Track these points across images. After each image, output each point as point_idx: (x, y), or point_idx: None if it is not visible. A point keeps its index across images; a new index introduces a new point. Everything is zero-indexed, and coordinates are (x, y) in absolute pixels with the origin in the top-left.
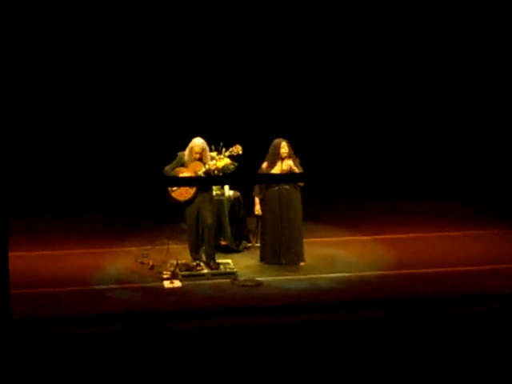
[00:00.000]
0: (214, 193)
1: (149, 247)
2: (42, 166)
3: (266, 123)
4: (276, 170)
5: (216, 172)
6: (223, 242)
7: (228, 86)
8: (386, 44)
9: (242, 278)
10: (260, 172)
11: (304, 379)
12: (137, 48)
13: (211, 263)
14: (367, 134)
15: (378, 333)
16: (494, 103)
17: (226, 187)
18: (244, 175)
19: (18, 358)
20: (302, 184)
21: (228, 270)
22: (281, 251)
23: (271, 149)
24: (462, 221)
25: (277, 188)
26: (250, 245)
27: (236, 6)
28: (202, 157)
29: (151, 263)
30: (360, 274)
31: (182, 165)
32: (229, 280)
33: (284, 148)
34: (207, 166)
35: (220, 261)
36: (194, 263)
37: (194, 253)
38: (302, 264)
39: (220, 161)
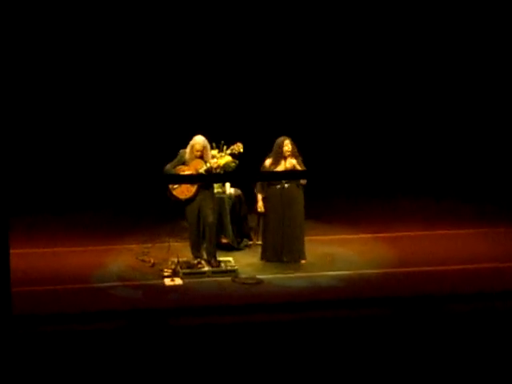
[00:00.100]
0: (215, 191)
1: (150, 245)
2: (42, 164)
3: (266, 121)
4: (279, 169)
5: (217, 170)
6: (224, 240)
7: (229, 83)
8: (388, 42)
9: (242, 276)
10: (262, 169)
11: (304, 377)
12: (138, 45)
13: (212, 261)
14: (368, 132)
15: (379, 331)
16: (494, 102)
17: (227, 185)
18: (245, 173)
19: (18, 355)
20: (304, 182)
21: (229, 268)
22: (282, 249)
23: (275, 147)
24: (463, 219)
25: (279, 186)
26: (251, 243)
27: (238, 5)
28: (203, 155)
29: (152, 261)
30: (360, 272)
31: (183, 163)
32: (230, 278)
33: (287, 146)
34: (208, 165)
35: (221, 259)
36: (195, 261)
37: (195, 250)
38: (302, 262)
39: (221, 158)
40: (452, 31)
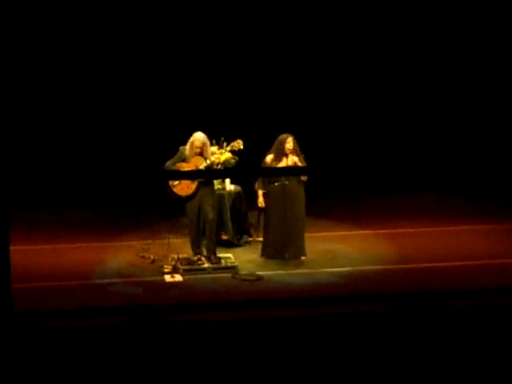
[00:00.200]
0: (216, 187)
1: (150, 241)
2: (42, 161)
3: (267, 118)
4: (281, 166)
5: (218, 166)
6: (224, 237)
7: (229, 80)
8: (390, 40)
9: (242, 273)
10: (263, 166)
11: (305, 373)
12: (138, 42)
13: (212, 257)
14: (369, 129)
15: (379, 327)
16: (497, 98)
17: (227, 182)
18: (245, 169)
19: (19, 350)
20: (305, 179)
21: (229, 265)
22: (283, 246)
23: (276, 143)
24: (464, 216)
25: (280, 183)
26: (251, 239)
27: (239, 2)
28: (202, 151)
29: (152, 257)
30: (361, 268)
31: (183, 160)
32: (230, 274)
33: (289, 143)
34: (208, 161)
35: (221, 255)
36: (195, 257)
37: (195, 247)
38: (303, 258)
39: (221, 155)
40: (453, 27)
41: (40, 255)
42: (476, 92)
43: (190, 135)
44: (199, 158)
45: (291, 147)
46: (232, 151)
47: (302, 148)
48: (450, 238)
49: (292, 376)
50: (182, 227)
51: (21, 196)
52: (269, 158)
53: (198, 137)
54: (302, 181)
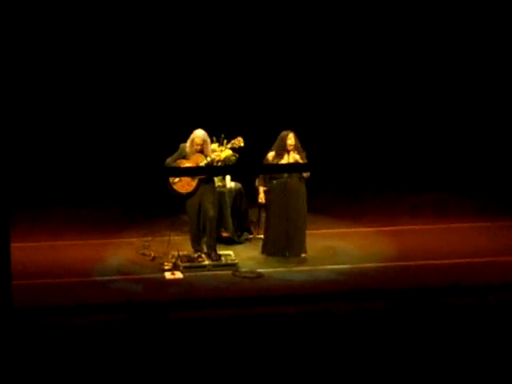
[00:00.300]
0: (216, 184)
1: (150, 238)
2: (42, 158)
3: (268, 115)
4: (282, 163)
5: (218, 163)
6: (225, 234)
7: (231, 77)
8: (391, 37)
9: (243, 270)
10: (265, 162)
11: (305, 369)
12: (139, 39)
13: (212, 255)
14: (370, 127)
15: (379, 324)
16: (496, 97)
17: (228, 179)
18: (246, 165)
19: (19, 346)
20: (306, 175)
21: (229, 262)
22: (284, 243)
23: (278, 140)
24: (465, 213)
25: (282, 180)
26: (251, 236)
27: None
28: (203, 148)
29: (152, 254)
30: (361, 265)
31: (184, 157)
32: (230, 271)
33: (291, 139)
34: (209, 159)
35: (221, 252)
36: (196, 255)
37: (196, 244)
38: (303, 255)
39: (222, 152)
40: (453, 25)
41: (40, 252)
42: (476, 91)
43: (191, 132)
44: (200, 155)
45: (293, 143)
46: (232, 148)
47: (303, 145)
48: (450, 235)
49: (292, 372)
50: (183, 224)
51: (21, 193)
52: (270, 154)
53: (199, 134)
54: (304, 177)
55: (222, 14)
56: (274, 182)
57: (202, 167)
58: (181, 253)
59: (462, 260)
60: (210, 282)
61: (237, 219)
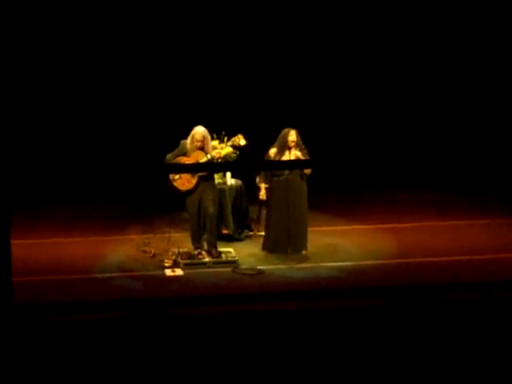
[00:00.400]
0: (216, 182)
1: (150, 235)
2: (43, 155)
3: (270, 112)
4: (283, 159)
5: (219, 160)
6: (225, 231)
7: (232, 74)
8: (392, 35)
9: (243, 267)
10: (267, 159)
11: (305, 366)
12: (139, 36)
13: (213, 252)
14: (370, 124)
15: (378, 320)
16: (497, 95)
17: (228, 176)
18: (247, 162)
19: (19, 343)
20: (308, 172)
21: (229, 259)
22: (286, 240)
23: (280, 137)
24: (464, 210)
25: (283, 177)
26: (251, 233)
27: None
28: (203, 145)
29: (153, 251)
30: (361, 263)
31: (184, 154)
32: (230, 268)
33: (292, 136)
34: (209, 156)
35: (222, 249)
36: (196, 252)
37: (196, 241)
38: (303, 253)
39: (222, 150)
40: (453, 23)
41: (40, 249)
42: (475, 89)
43: (192, 129)
44: (200, 152)
45: (294, 140)
46: (233, 146)
47: (304, 142)
48: (449, 232)
49: (292, 369)
50: (183, 221)
51: (22, 191)
52: (272, 151)
53: (199, 130)
54: (305, 175)
55: (223, 10)
56: (276, 179)
57: (202, 164)
58: (181, 250)
59: (461, 257)
60: (210, 279)
61: (237, 216)
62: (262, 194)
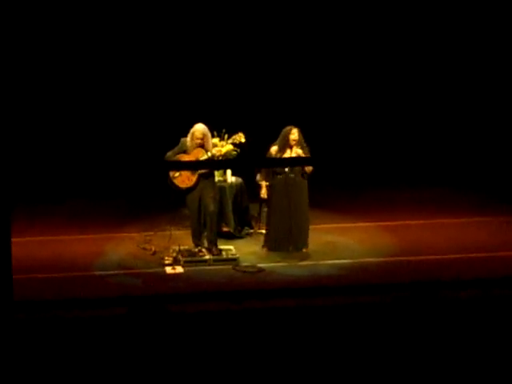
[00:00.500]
0: (217, 179)
1: (151, 233)
2: (43, 152)
3: (271, 110)
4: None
5: (219, 158)
6: (225, 229)
7: (233, 72)
8: (394, 33)
9: (244, 264)
10: (268, 156)
11: (305, 363)
12: (140, 33)
13: (213, 249)
14: (371, 122)
15: (379, 318)
16: (498, 92)
17: (229, 174)
18: (248, 159)
19: (19, 340)
20: (309, 170)
21: (230, 256)
22: (287, 238)
23: (282, 135)
24: (465, 208)
25: (284, 175)
26: (252, 231)
27: None
28: (203, 143)
29: (153, 249)
30: (362, 260)
31: (185, 151)
32: (231, 266)
33: (294, 135)
34: (209, 154)
35: (222, 247)
36: (196, 249)
37: (196, 239)
38: (304, 250)
39: (223, 147)
40: (453, 21)
41: (40, 247)
42: (478, 86)
43: (192, 127)
44: (200, 149)
45: (296, 138)
46: (233, 144)
47: (306, 140)
48: (450, 230)
49: (293, 366)
50: (183, 219)
51: (22, 188)
52: (273, 149)
53: (198, 128)
54: (306, 173)
55: (224, 8)
56: (277, 177)
57: (202, 161)
58: (181, 247)
59: (462, 255)
60: (210, 276)
61: (238, 214)
62: (264, 193)
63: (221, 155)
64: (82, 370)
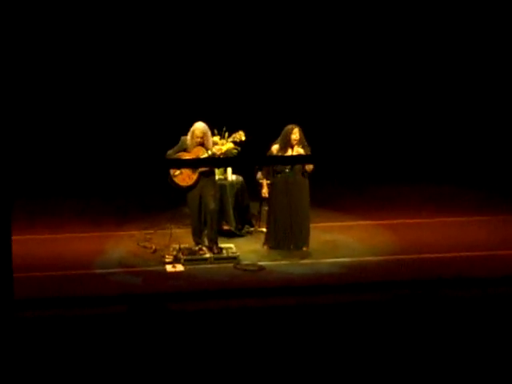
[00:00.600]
0: (217, 177)
1: (151, 231)
2: (43, 149)
3: (272, 108)
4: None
5: (220, 156)
6: (226, 227)
7: (233, 70)
8: (394, 31)
9: (244, 263)
10: (269, 155)
11: (306, 361)
12: (140, 31)
13: (214, 247)
14: (371, 119)
15: (380, 316)
16: (498, 90)
17: (229, 172)
18: (249, 157)
19: (19, 339)
20: (309, 169)
21: (230, 255)
22: (287, 237)
23: (283, 134)
24: (465, 207)
25: (285, 174)
26: (252, 229)
27: None
28: (203, 141)
29: (154, 247)
30: (362, 259)
31: (185, 149)
32: (231, 264)
33: (295, 134)
34: (210, 152)
35: (222, 245)
36: (197, 247)
37: (197, 237)
38: (304, 249)
39: (223, 146)
40: (453, 20)
41: (41, 245)
42: (478, 84)
43: (192, 125)
44: (200, 148)
45: (297, 138)
46: (234, 142)
47: (307, 139)
48: (450, 228)
49: (294, 365)
50: (184, 217)
51: (22, 186)
52: (274, 148)
53: (199, 126)
54: (307, 172)
55: (225, 6)
56: (278, 175)
57: (202, 159)
58: (182, 245)
59: (462, 253)
60: (211, 274)
61: (238, 212)
62: (265, 191)
63: (221, 153)
64: (83, 368)
